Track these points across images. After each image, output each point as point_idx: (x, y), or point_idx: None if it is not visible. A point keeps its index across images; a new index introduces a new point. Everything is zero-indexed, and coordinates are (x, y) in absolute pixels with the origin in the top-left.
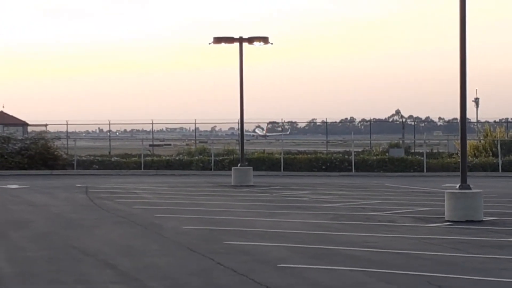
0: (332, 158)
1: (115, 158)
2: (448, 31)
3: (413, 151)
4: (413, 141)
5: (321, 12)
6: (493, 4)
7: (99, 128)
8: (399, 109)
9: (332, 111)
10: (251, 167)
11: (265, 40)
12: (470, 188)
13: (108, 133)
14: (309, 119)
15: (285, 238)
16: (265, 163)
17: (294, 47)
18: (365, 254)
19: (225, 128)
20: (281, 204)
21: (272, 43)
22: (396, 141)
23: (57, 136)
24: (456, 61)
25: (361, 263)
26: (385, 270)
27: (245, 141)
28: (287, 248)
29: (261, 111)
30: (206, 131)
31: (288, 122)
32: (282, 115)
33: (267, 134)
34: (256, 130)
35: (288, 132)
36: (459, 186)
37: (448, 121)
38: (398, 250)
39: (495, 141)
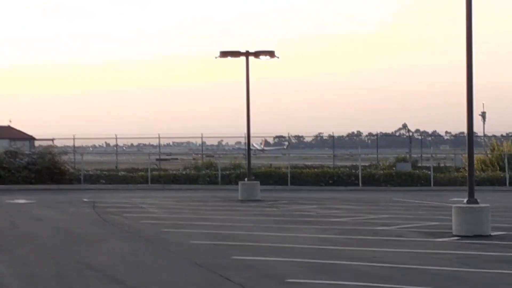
0: (339, 172)
1: (122, 172)
2: (455, 45)
3: (420, 165)
4: (420, 155)
5: (327, 25)
6: (500, 18)
7: (106, 142)
8: (406, 123)
9: (338, 125)
10: (258, 182)
11: (271, 54)
12: (477, 203)
13: (115, 148)
14: (316, 133)
15: (293, 253)
16: (272, 178)
17: (300, 60)
18: (373, 269)
19: (231, 142)
20: (288, 219)
21: (278, 57)
22: (403, 155)
23: (64, 150)
24: (463, 75)
25: (369, 278)
26: (394, 285)
27: (251, 155)
28: (295, 263)
29: (268, 125)
30: (213, 145)
31: (295, 136)
32: (288, 129)
33: (265, 148)
34: (254, 144)
35: (285, 147)
36: (467, 201)
37: (455, 135)
38: (406, 265)
39: (502, 155)
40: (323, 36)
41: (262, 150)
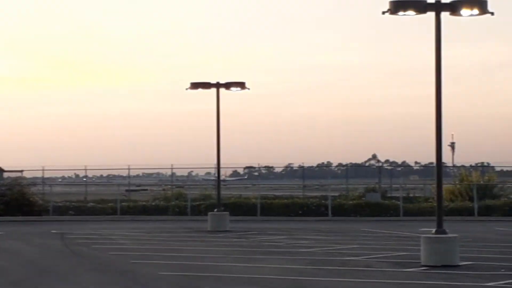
0: (309, 202)
1: (91, 203)
2: (424, 76)
3: (389, 195)
4: (389, 185)
5: (298, 58)
6: (469, 49)
7: (75, 173)
8: (376, 153)
9: (308, 156)
10: (228, 212)
11: (242, 85)
12: (446, 233)
13: (84, 179)
14: (286, 163)
15: (261, 284)
16: (241, 208)
17: (271, 91)
18: None
19: (202, 172)
20: (257, 250)
21: (249, 89)
22: (372, 186)
23: (33, 182)
24: (432, 106)
25: None
26: None
27: (221, 186)
28: None
29: (238, 155)
30: (183, 175)
31: (265, 166)
32: (259, 159)
33: (226, 179)
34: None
35: (246, 177)
36: (435, 231)
37: (425, 166)
38: None
39: (471, 186)
40: (293, 68)
41: (223, 181)
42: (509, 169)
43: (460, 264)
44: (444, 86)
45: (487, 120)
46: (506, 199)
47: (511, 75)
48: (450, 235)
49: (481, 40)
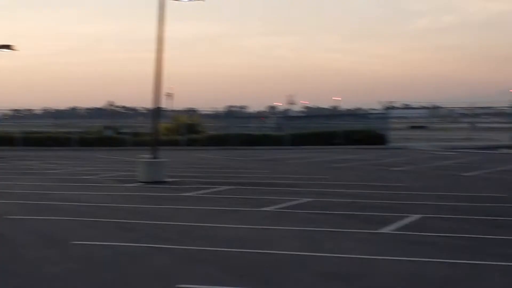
0: (60, 136)
1: None
2: (150, 44)
3: (122, 131)
4: (122, 124)
5: (62, 29)
6: (188, 26)
7: None
8: (113, 100)
9: (63, 101)
10: None
11: (8, 47)
12: (157, 158)
13: None
14: (43, 107)
15: (15, 196)
16: (6, 141)
17: (43, 52)
18: (76, 207)
19: None
20: (14, 171)
21: (18, 50)
22: (109, 124)
23: None
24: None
25: (72, 214)
26: (90, 219)
27: None
28: (15, 204)
29: (7, 101)
30: None
31: (27, 109)
32: (21, 104)
33: None
34: None
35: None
36: (150, 157)
37: (148, 110)
38: (102, 204)
39: (181, 124)
40: (60, 37)
41: None
42: (208, 113)
43: (167, 180)
44: (167, 52)
45: (197, 78)
46: (205, 134)
47: (213, 46)
48: (160, 159)
49: (198, 19)
